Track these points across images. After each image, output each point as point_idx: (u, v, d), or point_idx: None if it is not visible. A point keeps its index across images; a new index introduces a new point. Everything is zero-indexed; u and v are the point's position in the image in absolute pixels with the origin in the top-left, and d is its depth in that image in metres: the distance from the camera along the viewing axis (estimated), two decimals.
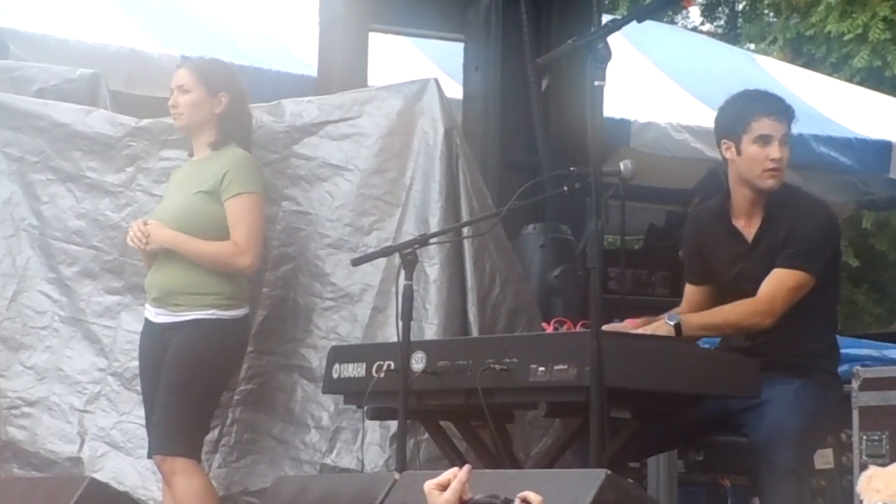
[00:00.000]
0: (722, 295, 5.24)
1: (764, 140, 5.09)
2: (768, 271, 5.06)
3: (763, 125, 5.10)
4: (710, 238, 5.29)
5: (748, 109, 5.14)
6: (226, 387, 5.68)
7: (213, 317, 5.50)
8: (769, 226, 5.13)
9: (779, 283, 5.02)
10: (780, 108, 5.16)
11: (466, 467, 3.36)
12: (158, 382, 5.49)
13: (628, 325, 5.08)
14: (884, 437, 5.52)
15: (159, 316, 5.58)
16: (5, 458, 6.08)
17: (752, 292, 5.07)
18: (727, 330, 5.14)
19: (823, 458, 5.07)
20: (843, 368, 5.49)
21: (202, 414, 5.54)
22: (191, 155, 5.77)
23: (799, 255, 5.03)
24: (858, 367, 5.79)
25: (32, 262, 6.20)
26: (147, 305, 5.67)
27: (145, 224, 5.57)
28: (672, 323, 4.95)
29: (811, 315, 5.09)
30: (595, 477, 4.03)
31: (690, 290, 5.38)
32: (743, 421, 4.98)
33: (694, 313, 5.16)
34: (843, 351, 5.42)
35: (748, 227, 5.19)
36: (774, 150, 5.08)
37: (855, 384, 5.71)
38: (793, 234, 5.06)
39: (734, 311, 5.07)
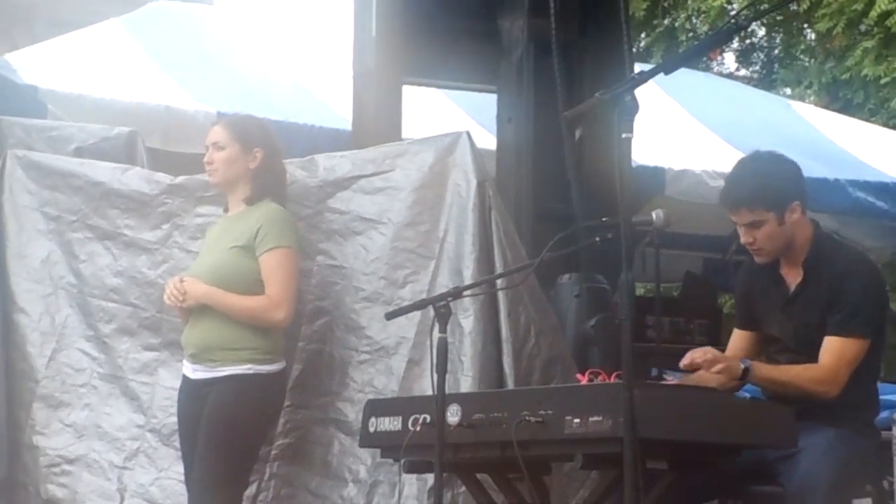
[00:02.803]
0: (762, 343, 5.24)
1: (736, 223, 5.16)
2: (804, 327, 5.05)
3: (729, 212, 5.16)
4: (758, 284, 5.28)
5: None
6: (263, 441, 5.69)
7: (251, 371, 5.51)
8: (809, 281, 5.11)
9: (839, 354, 4.99)
10: (729, 201, 5.11)
11: None
12: (197, 438, 5.51)
13: (704, 375, 5.04)
14: None
15: (197, 372, 5.60)
16: None
17: (788, 345, 5.07)
18: (791, 390, 5.03)
19: None
20: (883, 415, 5.43)
21: (241, 469, 5.54)
22: (226, 210, 5.81)
23: (853, 319, 5.00)
24: None
25: (71, 319, 6.25)
26: (184, 361, 5.69)
27: (182, 281, 5.60)
28: (743, 366, 4.94)
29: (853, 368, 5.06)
30: None
31: (736, 335, 5.37)
32: (778, 470, 4.95)
33: (765, 364, 5.14)
34: (882, 397, 5.37)
35: (791, 276, 5.17)
36: (742, 236, 5.13)
37: (895, 430, 5.65)
38: (841, 297, 5.02)
39: (802, 376, 5.02)
